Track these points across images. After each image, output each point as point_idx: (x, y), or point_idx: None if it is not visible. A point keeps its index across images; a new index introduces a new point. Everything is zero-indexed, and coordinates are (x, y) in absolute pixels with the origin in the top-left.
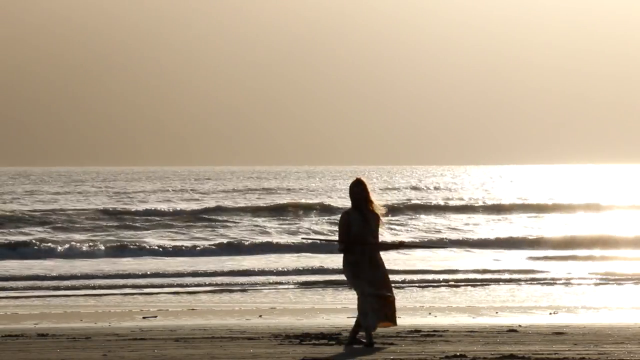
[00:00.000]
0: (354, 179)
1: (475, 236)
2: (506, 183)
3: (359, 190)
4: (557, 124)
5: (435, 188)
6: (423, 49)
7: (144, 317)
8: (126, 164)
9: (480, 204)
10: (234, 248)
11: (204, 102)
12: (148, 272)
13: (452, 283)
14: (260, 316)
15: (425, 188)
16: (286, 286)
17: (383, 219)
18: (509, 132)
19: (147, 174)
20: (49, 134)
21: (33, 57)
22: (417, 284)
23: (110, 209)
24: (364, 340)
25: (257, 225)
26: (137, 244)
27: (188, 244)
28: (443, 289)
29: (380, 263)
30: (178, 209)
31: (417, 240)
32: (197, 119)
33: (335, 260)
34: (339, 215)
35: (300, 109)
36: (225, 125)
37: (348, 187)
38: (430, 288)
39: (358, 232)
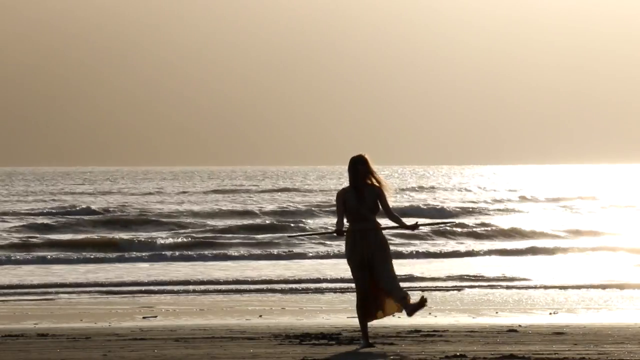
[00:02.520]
0: (356, 155)
1: None
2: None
3: (363, 168)
4: (557, 124)
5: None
6: (424, 48)
7: (144, 317)
8: (125, 164)
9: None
10: None
11: (205, 102)
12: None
13: None
14: (260, 316)
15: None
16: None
17: (388, 187)
18: (508, 132)
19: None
20: (48, 135)
21: (37, 56)
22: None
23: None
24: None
25: None
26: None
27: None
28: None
29: (385, 254)
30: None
31: None
32: (198, 119)
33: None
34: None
35: (300, 109)
36: (226, 126)
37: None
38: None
39: (353, 208)
